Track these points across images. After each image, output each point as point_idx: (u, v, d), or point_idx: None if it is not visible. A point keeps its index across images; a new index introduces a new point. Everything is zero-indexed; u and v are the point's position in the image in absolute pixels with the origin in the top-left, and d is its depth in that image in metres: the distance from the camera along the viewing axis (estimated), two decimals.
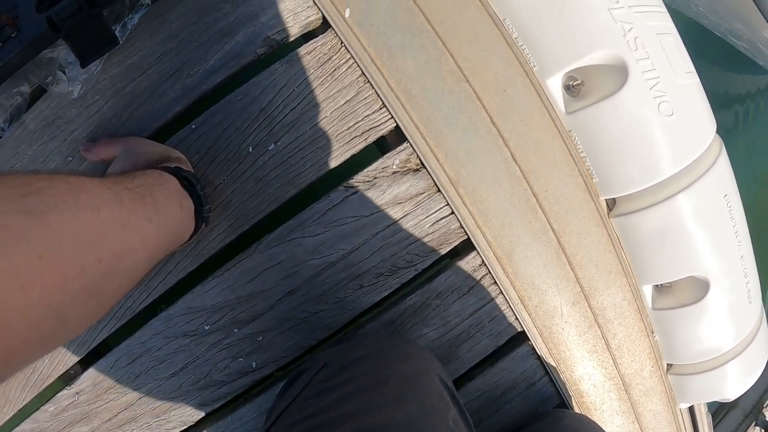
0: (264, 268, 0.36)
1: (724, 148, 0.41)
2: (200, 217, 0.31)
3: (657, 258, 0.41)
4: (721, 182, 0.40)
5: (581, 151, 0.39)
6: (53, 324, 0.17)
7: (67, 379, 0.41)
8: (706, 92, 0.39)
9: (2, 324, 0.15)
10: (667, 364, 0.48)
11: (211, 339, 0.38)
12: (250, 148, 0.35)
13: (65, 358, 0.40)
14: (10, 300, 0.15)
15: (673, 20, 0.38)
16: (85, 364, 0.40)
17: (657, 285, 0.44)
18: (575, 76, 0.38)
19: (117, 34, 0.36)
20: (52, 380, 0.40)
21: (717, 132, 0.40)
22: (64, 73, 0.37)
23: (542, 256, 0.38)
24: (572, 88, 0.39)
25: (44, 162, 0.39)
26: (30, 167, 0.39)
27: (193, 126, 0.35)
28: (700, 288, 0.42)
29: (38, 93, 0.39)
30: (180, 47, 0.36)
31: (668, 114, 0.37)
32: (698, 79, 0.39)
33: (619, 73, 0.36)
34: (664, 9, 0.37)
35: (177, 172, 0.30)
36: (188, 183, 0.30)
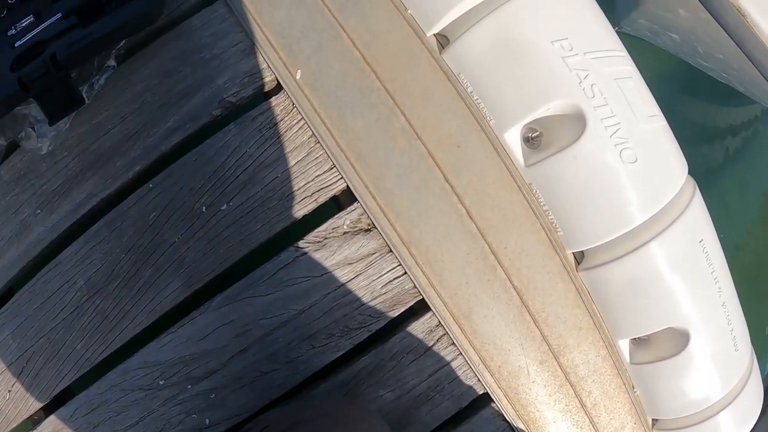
0: (216, 326, 0.36)
1: (697, 190, 0.39)
2: None
3: (631, 311, 0.39)
4: (695, 227, 0.37)
5: (543, 205, 0.38)
6: None
7: (31, 424, 0.41)
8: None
9: None
10: (653, 420, 0.45)
11: (166, 394, 0.38)
12: (204, 207, 0.35)
13: (29, 404, 0.41)
14: None
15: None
16: (47, 410, 0.41)
17: (634, 338, 0.42)
18: (534, 127, 0.38)
19: (84, 95, 0.37)
20: (16, 424, 0.41)
21: (690, 173, 0.38)
22: (34, 129, 0.39)
23: (503, 315, 0.37)
24: (532, 140, 0.38)
25: (15, 213, 0.40)
26: (2, 217, 0.40)
27: (151, 185, 0.36)
28: (680, 339, 0.39)
29: (14, 146, 0.41)
30: (142, 108, 0.37)
31: (631, 161, 0.35)
32: (665, 122, 0.37)
33: (577, 122, 0.35)
34: (624, 53, 0.36)
35: None
36: None
